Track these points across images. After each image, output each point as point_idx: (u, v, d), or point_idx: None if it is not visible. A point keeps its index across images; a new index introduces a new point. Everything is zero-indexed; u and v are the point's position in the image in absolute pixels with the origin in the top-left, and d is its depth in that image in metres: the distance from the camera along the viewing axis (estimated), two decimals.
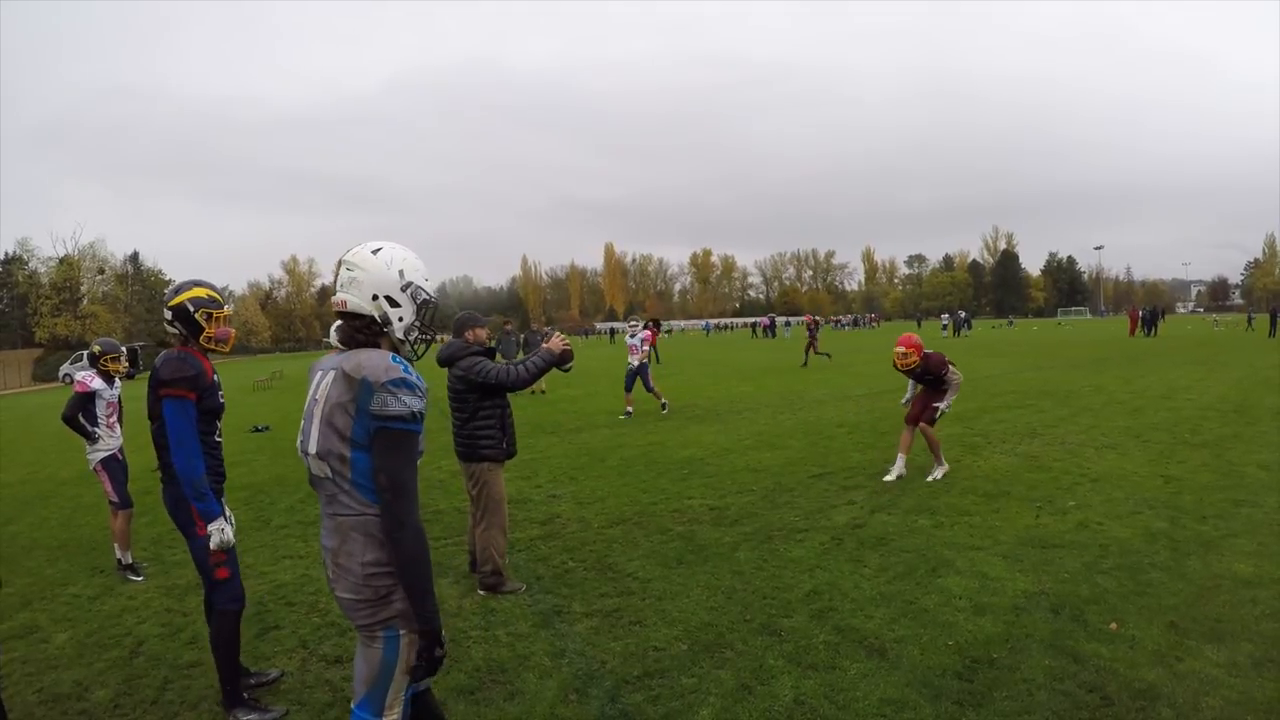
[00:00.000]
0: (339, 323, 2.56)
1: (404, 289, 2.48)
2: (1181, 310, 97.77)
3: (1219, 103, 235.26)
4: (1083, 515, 6.40)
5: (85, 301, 72.66)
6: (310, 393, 2.46)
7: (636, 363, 14.81)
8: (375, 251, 2.48)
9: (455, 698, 3.87)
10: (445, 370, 5.47)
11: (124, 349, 6.77)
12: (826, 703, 3.63)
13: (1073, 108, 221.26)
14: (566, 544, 6.38)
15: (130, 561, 6.25)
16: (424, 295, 2.53)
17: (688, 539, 6.30)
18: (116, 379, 6.61)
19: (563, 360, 5.00)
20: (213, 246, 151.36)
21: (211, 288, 4.03)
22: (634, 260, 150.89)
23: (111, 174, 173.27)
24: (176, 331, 3.90)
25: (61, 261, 72.40)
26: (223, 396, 4.00)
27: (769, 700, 3.67)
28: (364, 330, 2.46)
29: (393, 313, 2.47)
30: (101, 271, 76.24)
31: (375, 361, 2.30)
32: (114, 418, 6.49)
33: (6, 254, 73.59)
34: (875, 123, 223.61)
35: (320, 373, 2.46)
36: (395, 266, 2.47)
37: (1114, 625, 4.27)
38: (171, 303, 3.89)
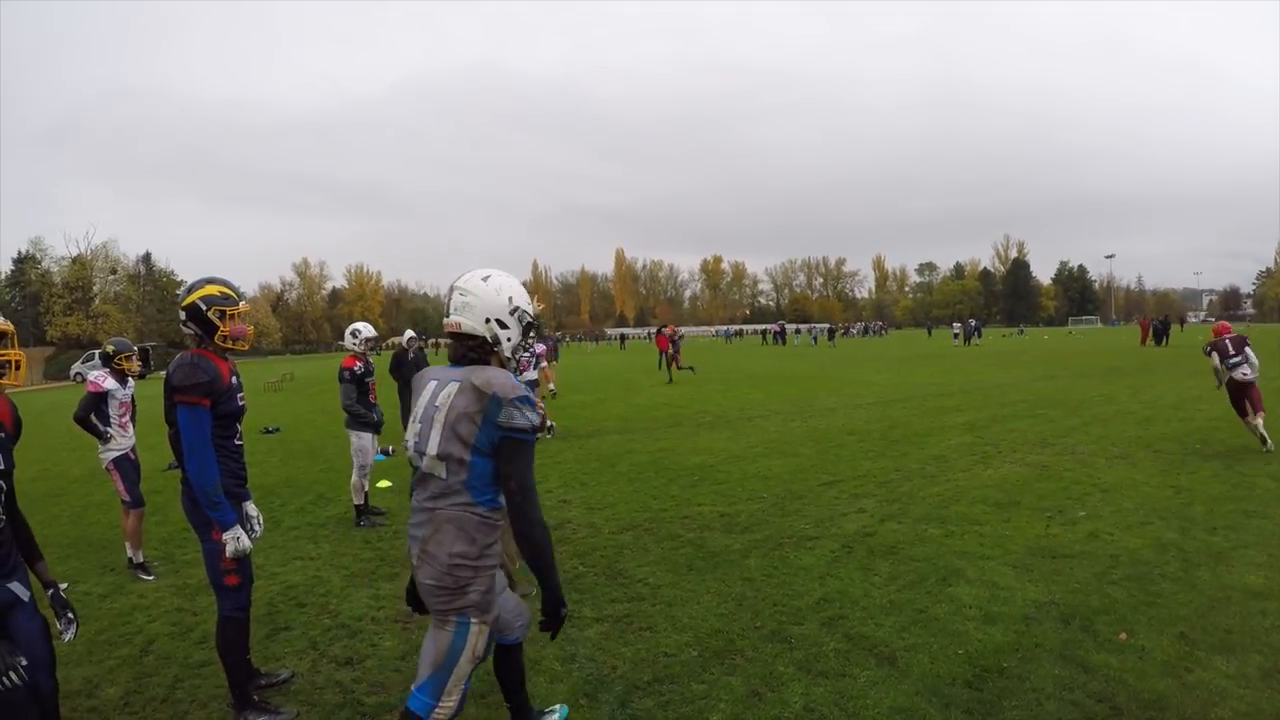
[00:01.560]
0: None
1: (512, 313, 2.77)
2: (1193, 320, 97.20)
3: (1231, 109, 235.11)
4: (1093, 525, 6.38)
5: (97, 301, 72.98)
6: (426, 399, 2.73)
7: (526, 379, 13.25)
8: (485, 279, 2.77)
9: (466, 702, 3.87)
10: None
11: (136, 348, 6.80)
12: (836, 710, 3.63)
13: (1084, 115, 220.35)
14: (577, 549, 6.39)
15: (141, 560, 6.29)
16: (529, 319, 2.82)
17: (698, 545, 6.30)
18: (130, 378, 6.64)
19: None
20: (222, 248, 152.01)
21: (226, 284, 3.91)
22: (644, 266, 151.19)
23: (120, 176, 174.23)
24: (192, 332, 3.82)
25: (74, 261, 72.83)
26: (243, 398, 3.93)
27: (779, 707, 3.68)
28: (476, 349, 2.75)
29: (502, 334, 2.76)
30: (114, 271, 76.58)
31: (503, 380, 2.60)
32: (127, 417, 6.51)
33: (20, 253, 74.02)
34: (885, 130, 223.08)
35: (436, 382, 2.74)
36: (505, 293, 2.76)
37: (1124, 635, 4.27)
38: (184, 302, 3.81)
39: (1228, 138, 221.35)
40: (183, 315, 3.82)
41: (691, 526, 6.92)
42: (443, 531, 2.62)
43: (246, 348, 4.00)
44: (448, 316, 2.78)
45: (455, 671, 2.68)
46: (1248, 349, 9.78)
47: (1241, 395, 9.62)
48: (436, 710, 2.69)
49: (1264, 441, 9.33)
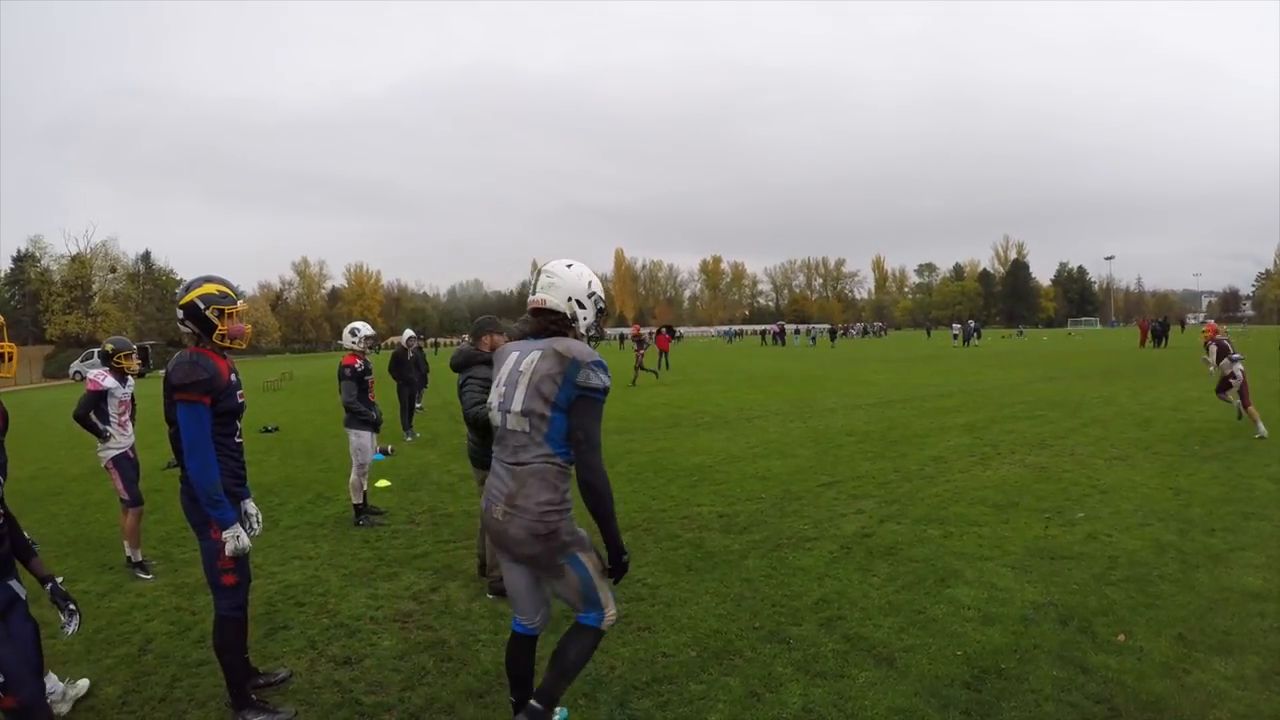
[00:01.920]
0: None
1: (589, 296, 3.24)
2: (1193, 321, 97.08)
3: (1232, 110, 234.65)
4: (1092, 527, 6.38)
5: (96, 300, 72.90)
6: (510, 366, 3.13)
7: None
8: (569, 266, 3.23)
9: (464, 700, 3.88)
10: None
11: (136, 347, 6.79)
12: (835, 711, 3.63)
13: (1085, 114, 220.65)
14: None
15: (140, 559, 6.28)
16: (601, 303, 3.29)
17: (697, 546, 6.30)
18: (129, 377, 6.63)
19: None
20: (223, 247, 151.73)
21: (224, 283, 3.89)
22: (644, 266, 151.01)
23: (121, 174, 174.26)
24: (189, 330, 3.80)
25: (74, 259, 72.75)
26: (242, 396, 3.91)
27: (777, 708, 3.68)
28: (557, 324, 3.16)
29: (580, 313, 3.22)
30: (113, 270, 76.49)
31: (581, 347, 3.02)
32: (126, 416, 6.49)
33: (19, 251, 73.99)
34: (887, 130, 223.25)
35: (518, 353, 3.14)
36: (585, 279, 3.24)
37: (1122, 637, 4.27)
38: (182, 301, 3.79)
39: (1229, 138, 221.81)
40: (180, 314, 3.80)
41: (690, 527, 6.91)
42: (528, 485, 2.98)
43: (244, 346, 3.98)
44: (533, 295, 3.21)
45: (599, 592, 3.11)
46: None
47: (1228, 386, 11.08)
48: (605, 621, 3.17)
49: (1240, 417, 11.18)
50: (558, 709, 3.69)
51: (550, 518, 2.97)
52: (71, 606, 3.16)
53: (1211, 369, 11.42)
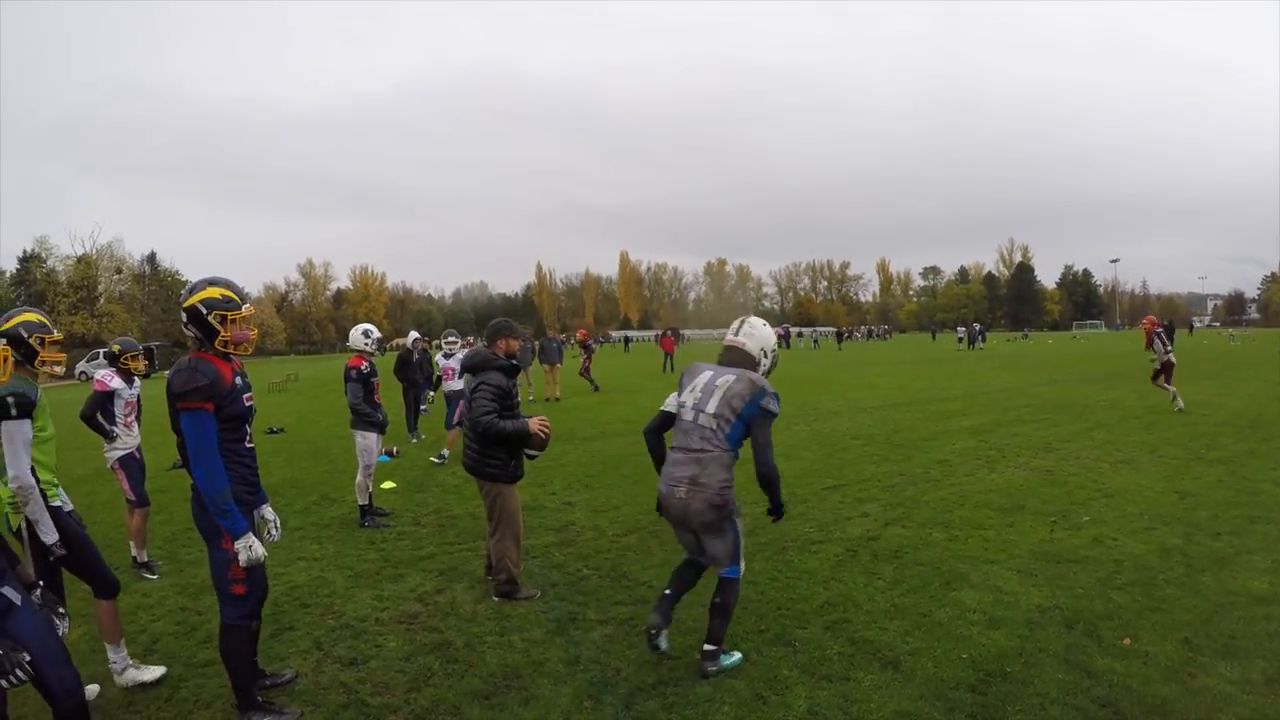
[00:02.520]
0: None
1: (772, 350, 4.37)
2: (1197, 324, 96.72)
3: (1237, 111, 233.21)
4: (1097, 530, 6.37)
5: (102, 300, 73.24)
6: (706, 378, 4.19)
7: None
8: (764, 324, 4.41)
9: (470, 702, 3.89)
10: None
11: (142, 348, 6.81)
12: (840, 714, 3.64)
13: (1089, 117, 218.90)
14: (581, 552, 6.39)
15: (146, 559, 6.31)
16: (776, 356, 4.40)
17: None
18: (136, 378, 6.64)
19: (532, 442, 5.26)
20: (228, 248, 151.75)
21: (229, 286, 3.78)
22: (649, 269, 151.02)
23: (125, 174, 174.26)
24: (193, 335, 3.70)
25: (79, 260, 73.02)
26: (250, 399, 3.80)
27: (783, 710, 3.68)
28: (745, 362, 4.24)
29: (763, 359, 4.31)
30: (119, 271, 76.89)
31: (764, 380, 4.13)
32: (132, 416, 6.50)
33: (25, 252, 74.27)
34: (890, 131, 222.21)
35: (712, 372, 4.23)
36: (772, 338, 4.38)
37: (1127, 641, 4.26)
38: (184, 305, 3.69)
39: (1233, 139, 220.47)
40: (183, 318, 3.72)
41: None
42: (710, 467, 4.00)
43: (249, 352, 3.85)
44: (734, 336, 4.34)
45: (740, 548, 4.19)
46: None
47: (1169, 370, 13.88)
48: (741, 571, 4.21)
49: (1175, 400, 13.72)
50: None
51: (726, 492, 3.99)
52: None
53: (1155, 357, 14.23)
